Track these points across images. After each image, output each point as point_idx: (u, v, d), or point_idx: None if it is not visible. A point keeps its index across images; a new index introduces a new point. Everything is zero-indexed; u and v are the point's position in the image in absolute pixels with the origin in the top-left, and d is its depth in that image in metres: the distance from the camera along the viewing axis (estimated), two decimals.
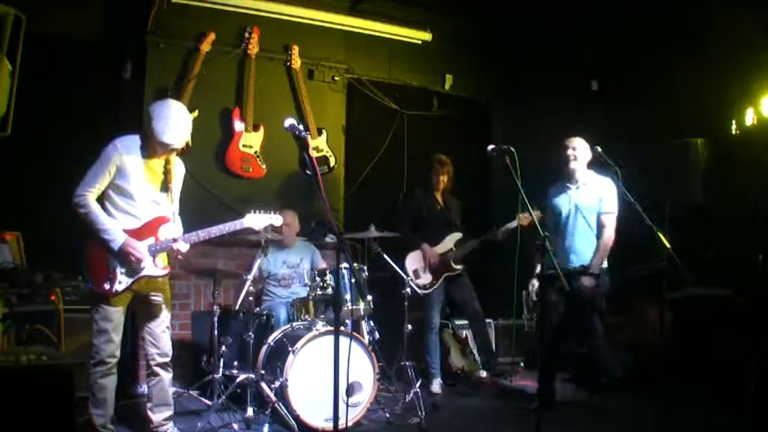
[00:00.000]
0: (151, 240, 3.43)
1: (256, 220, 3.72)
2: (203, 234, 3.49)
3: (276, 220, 3.82)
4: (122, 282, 3.35)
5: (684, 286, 4.78)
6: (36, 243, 4.35)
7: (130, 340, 4.45)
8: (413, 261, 5.18)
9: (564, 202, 4.51)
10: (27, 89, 4.00)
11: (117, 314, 3.39)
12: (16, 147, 4.23)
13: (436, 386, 5.08)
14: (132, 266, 3.36)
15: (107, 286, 3.33)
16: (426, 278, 5.14)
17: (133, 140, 3.39)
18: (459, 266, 5.15)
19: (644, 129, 5.62)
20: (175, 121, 3.33)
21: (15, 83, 3.66)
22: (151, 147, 3.39)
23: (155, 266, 3.44)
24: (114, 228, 3.32)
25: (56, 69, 4.82)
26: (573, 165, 4.45)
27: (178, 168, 3.57)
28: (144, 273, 3.40)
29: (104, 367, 3.37)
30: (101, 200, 3.37)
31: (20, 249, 4.37)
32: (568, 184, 4.53)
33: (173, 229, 3.50)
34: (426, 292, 5.10)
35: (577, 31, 6.08)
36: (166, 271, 3.52)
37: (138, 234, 3.38)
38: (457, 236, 5.17)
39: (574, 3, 5.92)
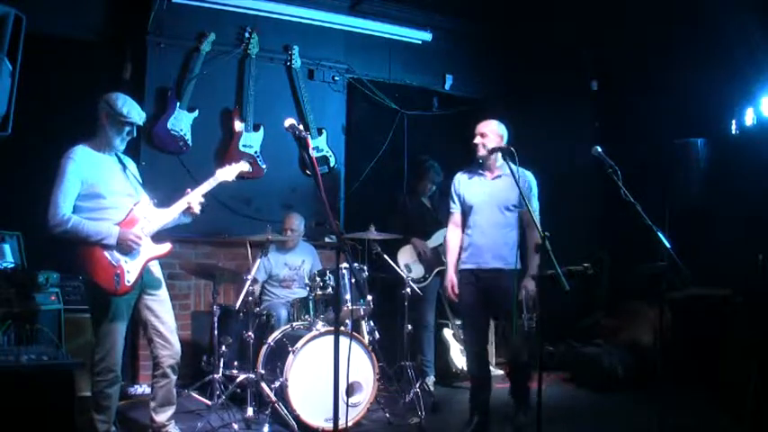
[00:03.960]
0: (142, 223, 3.45)
1: (227, 173, 3.75)
2: (195, 194, 3.57)
3: (244, 166, 3.86)
4: (131, 271, 3.34)
5: (684, 286, 4.78)
6: (36, 243, 4.35)
7: (130, 341, 4.46)
8: (404, 255, 5.22)
9: (476, 193, 3.98)
10: (27, 89, 4.00)
11: (121, 321, 3.38)
12: (16, 147, 4.23)
13: (429, 383, 5.09)
14: (134, 253, 3.36)
15: (117, 282, 3.29)
16: (418, 271, 5.16)
17: (81, 148, 3.40)
18: None
19: (644, 129, 5.62)
20: (131, 102, 3.45)
21: (15, 83, 3.65)
22: (105, 143, 3.43)
23: (154, 245, 3.48)
24: (102, 227, 3.30)
25: (56, 69, 4.81)
26: (480, 153, 3.91)
27: (129, 161, 3.62)
28: (148, 254, 3.43)
29: (111, 375, 3.35)
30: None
31: (20, 249, 4.37)
32: (482, 172, 3.99)
33: (157, 212, 3.52)
34: (421, 285, 5.10)
35: (577, 31, 6.09)
36: (168, 246, 3.54)
37: (127, 224, 3.39)
38: (446, 230, 5.17)
39: (574, 3, 5.92)
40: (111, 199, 3.38)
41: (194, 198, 3.56)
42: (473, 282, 3.94)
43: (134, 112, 3.43)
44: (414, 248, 5.22)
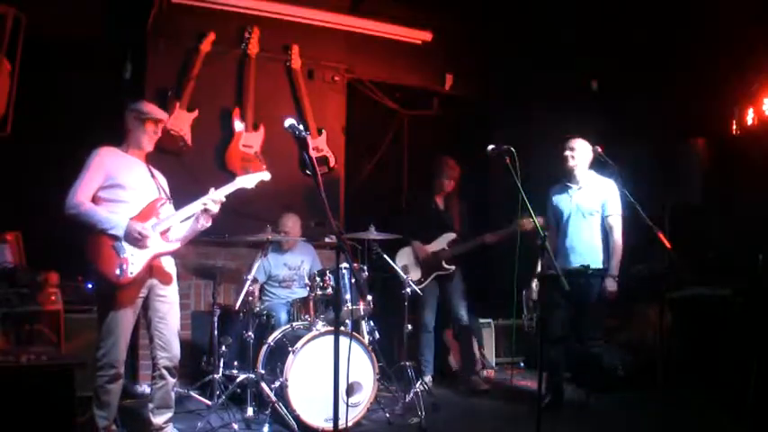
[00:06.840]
0: (153, 220, 3.46)
1: (247, 180, 3.76)
2: (212, 196, 3.54)
3: (265, 175, 3.86)
4: (135, 263, 3.34)
5: (684, 286, 4.78)
6: (36, 243, 4.35)
7: (131, 340, 4.45)
8: (402, 257, 5.22)
9: (565, 203, 4.54)
10: (27, 89, 3.99)
11: (126, 317, 3.39)
12: (16, 147, 4.23)
13: (427, 381, 5.09)
14: (140, 247, 3.36)
15: (118, 272, 3.30)
16: (416, 274, 5.15)
17: (108, 147, 3.52)
18: (450, 266, 5.15)
19: (644, 129, 5.62)
20: (152, 104, 3.65)
21: (15, 83, 3.66)
22: (132, 144, 3.55)
23: (163, 242, 3.48)
24: (113, 217, 3.34)
25: (56, 69, 4.81)
26: (570, 165, 4.49)
27: (159, 174, 3.69)
28: (155, 250, 3.43)
29: (112, 371, 3.36)
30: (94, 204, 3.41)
31: (20, 249, 4.36)
32: (569, 184, 4.56)
33: (172, 211, 3.55)
34: (416, 288, 5.10)
35: (577, 32, 6.08)
36: (177, 245, 3.56)
37: (140, 218, 3.41)
38: (450, 236, 5.18)
39: (574, 3, 5.91)
40: (130, 192, 3.44)
41: (212, 199, 3.54)
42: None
43: (155, 110, 3.60)
44: (412, 251, 5.21)
